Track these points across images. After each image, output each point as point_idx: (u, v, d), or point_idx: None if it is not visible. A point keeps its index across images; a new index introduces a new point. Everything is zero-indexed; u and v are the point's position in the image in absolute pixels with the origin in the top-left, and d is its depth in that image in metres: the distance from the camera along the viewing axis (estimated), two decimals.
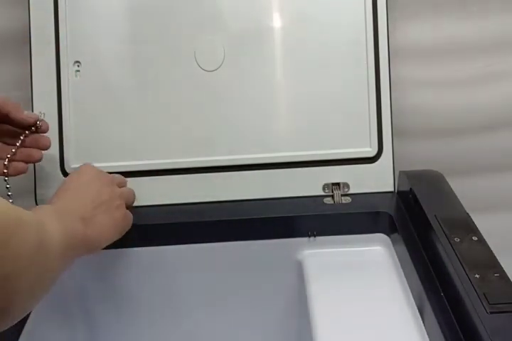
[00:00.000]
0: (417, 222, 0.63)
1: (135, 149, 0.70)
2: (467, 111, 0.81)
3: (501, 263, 0.52)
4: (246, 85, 0.70)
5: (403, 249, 0.61)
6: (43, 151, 0.64)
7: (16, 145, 0.62)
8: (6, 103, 0.60)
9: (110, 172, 0.66)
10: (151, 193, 0.69)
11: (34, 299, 0.46)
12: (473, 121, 0.82)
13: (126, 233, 0.62)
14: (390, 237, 0.66)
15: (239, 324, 0.72)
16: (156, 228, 0.67)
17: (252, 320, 0.72)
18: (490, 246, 0.55)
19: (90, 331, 0.72)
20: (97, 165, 0.68)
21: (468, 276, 0.51)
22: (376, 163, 0.70)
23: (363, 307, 0.58)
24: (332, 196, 0.70)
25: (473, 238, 0.56)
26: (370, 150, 0.70)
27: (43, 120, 0.63)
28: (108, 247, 0.59)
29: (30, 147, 0.63)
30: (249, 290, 0.70)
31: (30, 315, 0.59)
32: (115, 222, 0.60)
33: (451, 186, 0.67)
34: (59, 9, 0.69)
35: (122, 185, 0.66)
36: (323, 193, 0.70)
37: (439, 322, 0.49)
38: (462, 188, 0.66)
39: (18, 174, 0.62)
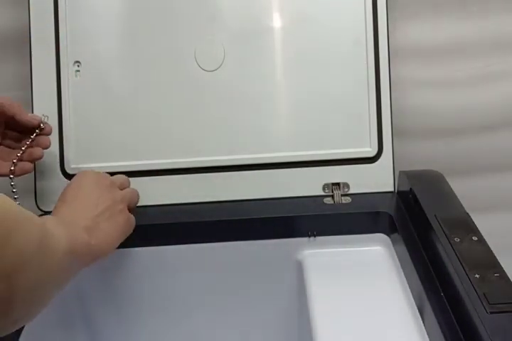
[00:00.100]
0: (417, 222, 0.63)
1: (135, 149, 0.70)
2: (467, 111, 0.81)
3: (501, 263, 0.52)
4: (246, 85, 0.70)
5: (403, 248, 0.61)
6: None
7: (20, 148, 0.63)
8: (12, 105, 0.61)
9: (112, 173, 0.66)
10: (151, 193, 0.69)
11: (35, 304, 0.45)
12: (473, 121, 0.82)
13: None
14: (390, 237, 0.66)
15: (239, 324, 0.72)
16: (156, 228, 0.67)
17: (252, 320, 0.72)
18: (490, 246, 0.55)
19: (90, 331, 0.72)
20: (97, 165, 0.69)
21: (468, 276, 0.51)
22: (376, 163, 0.70)
23: (363, 307, 0.58)
24: (332, 196, 0.70)
25: (473, 238, 0.56)
26: (370, 150, 0.70)
27: (46, 123, 0.64)
28: None
29: (31, 146, 0.64)
30: (249, 290, 0.70)
31: None
32: (118, 227, 0.59)
33: (451, 186, 0.67)
34: (59, 9, 0.69)
35: (124, 186, 0.65)
36: (323, 193, 0.70)
37: (439, 322, 0.50)
38: (462, 188, 0.66)
39: (24, 173, 0.63)
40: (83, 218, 0.56)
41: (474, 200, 0.66)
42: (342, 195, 0.70)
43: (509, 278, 0.51)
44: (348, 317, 0.56)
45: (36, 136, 0.64)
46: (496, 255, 0.54)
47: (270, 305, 0.71)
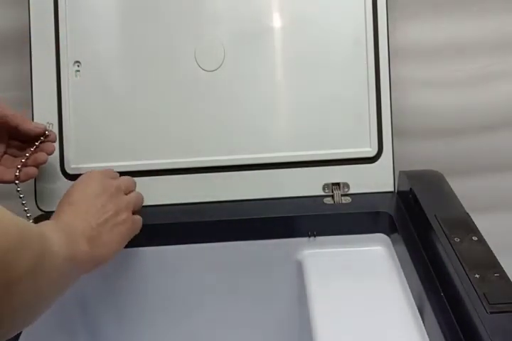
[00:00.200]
0: (417, 222, 0.63)
1: (135, 149, 0.70)
2: (467, 111, 0.81)
3: (501, 263, 0.52)
4: (246, 85, 0.70)
5: (403, 249, 0.61)
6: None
7: (24, 155, 0.63)
8: (15, 115, 0.61)
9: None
10: (151, 193, 0.69)
11: (32, 312, 0.45)
12: (473, 121, 0.82)
13: None
14: (390, 237, 0.66)
15: (239, 324, 0.72)
16: (156, 228, 0.67)
17: (252, 320, 0.72)
18: (490, 246, 0.55)
19: (90, 331, 0.72)
20: (97, 165, 0.69)
21: (468, 276, 0.51)
22: (376, 163, 0.70)
23: (363, 307, 0.58)
24: (332, 196, 0.70)
25: (473, 238, 0.56)
26: (370, 150, 0.70)
27: (51, 130, 0.65)
28: None
29: (35, 152, 0.64)
30: (249, 290, 0.70)
31: None
32: (120, 237, 0.59)
33: (451, 186, 0.67)
34: (59, 9, 0.69)
35: (130, 189, 0.65)
36: (323, 193, 0.70)
37: (439, 322, 0.50)
38: (462, 188, 0.66)
39: (29, 178, 0.64)
40: (86, 226, 0.55)
41: (474, 200, 0.66)
42: (342, 195, 0.70)
43: (509, 278, 0.51)
44: (348, 317, 0.56)
45: (41, 143, 0.64)
46: (496, 255, 0.54)
47: (270, 305, 0.71)
